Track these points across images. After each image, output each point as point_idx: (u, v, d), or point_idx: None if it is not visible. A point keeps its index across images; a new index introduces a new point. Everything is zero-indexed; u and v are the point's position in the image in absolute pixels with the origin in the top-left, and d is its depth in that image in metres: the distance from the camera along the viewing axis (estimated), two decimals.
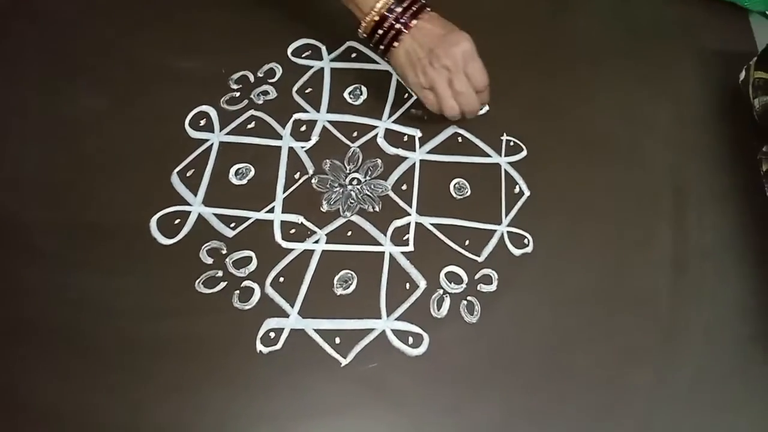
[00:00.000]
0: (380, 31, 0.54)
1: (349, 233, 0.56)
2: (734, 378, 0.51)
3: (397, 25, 0.53)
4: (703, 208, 0.58)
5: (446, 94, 0.54)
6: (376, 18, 0.54)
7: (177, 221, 0.55)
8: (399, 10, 0.53)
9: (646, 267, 0.55)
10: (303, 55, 0.65)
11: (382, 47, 0.55)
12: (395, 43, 0.54)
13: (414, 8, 0.54)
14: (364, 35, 0.56)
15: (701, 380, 0.51)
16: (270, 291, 0.53)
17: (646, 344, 0.52)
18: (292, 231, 0.55)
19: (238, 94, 0.62)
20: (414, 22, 0.53)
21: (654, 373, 0.51)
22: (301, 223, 0.56)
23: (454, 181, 0.59)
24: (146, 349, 0.50)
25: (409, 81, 0.56)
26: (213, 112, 0.61)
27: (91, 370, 0.49)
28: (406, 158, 0.60)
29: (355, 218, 0.56)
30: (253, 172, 0.58)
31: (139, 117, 0.60)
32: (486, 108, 0.62)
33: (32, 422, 0.47)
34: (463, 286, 0.54)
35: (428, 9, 0.55)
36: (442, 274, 0.54)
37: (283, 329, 0.51)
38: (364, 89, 0.63)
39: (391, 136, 0.61)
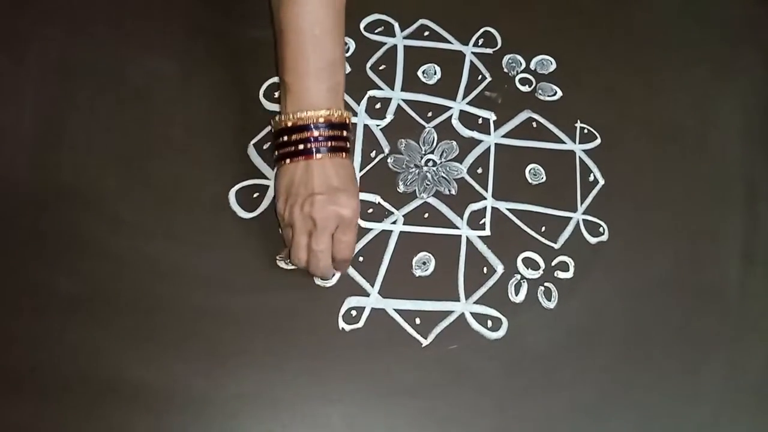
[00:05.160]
0: (289, 137, 0.48)
1: (426, 215, 0.56)
2: None
3: (310, 145, 0.47)
4: None
5: (301, 242, 0.48)
6: (300, 123, 0.47)
7: (256, 195, 0.55)
8: (325, 133, 0.47)
9: (718, 258, 0.56)
10: (375, 31, 0.64)
11: (279, 153, 0.49)
12: (287, 160, 0.48)
13: (336, 143, 0.48)
14: (273, 130, 0.50)
15: None
16: (350, 269, 0.53)
17: (719, 334, 0.53)
18: (370, 210, 0.55)
19: None
20: (319, 156, 0.47)
21: (727, 363, 0.52)
22: (379, 203, 0.56)
23: (530, 166, 0.59)
24: (227, 323, 0.50)
25: (277, 207, 0.50)
26: None
27: (170, 340, 0.49)
28: (480, 141, 0.59)
29: (432, 200, 0.56)
30: None
31: (213, 87, 0.59)
32: (337, 276, 0.53)
33: (112, 391, 0.48)
34: (540, 272, 0.54)
35: (348, 154, 0.50)
36: (519, 260, 0.55)
37: (364, 308, 0.52)
38: (437, 68, 0.62)
39: (466, 118, 0.60)
